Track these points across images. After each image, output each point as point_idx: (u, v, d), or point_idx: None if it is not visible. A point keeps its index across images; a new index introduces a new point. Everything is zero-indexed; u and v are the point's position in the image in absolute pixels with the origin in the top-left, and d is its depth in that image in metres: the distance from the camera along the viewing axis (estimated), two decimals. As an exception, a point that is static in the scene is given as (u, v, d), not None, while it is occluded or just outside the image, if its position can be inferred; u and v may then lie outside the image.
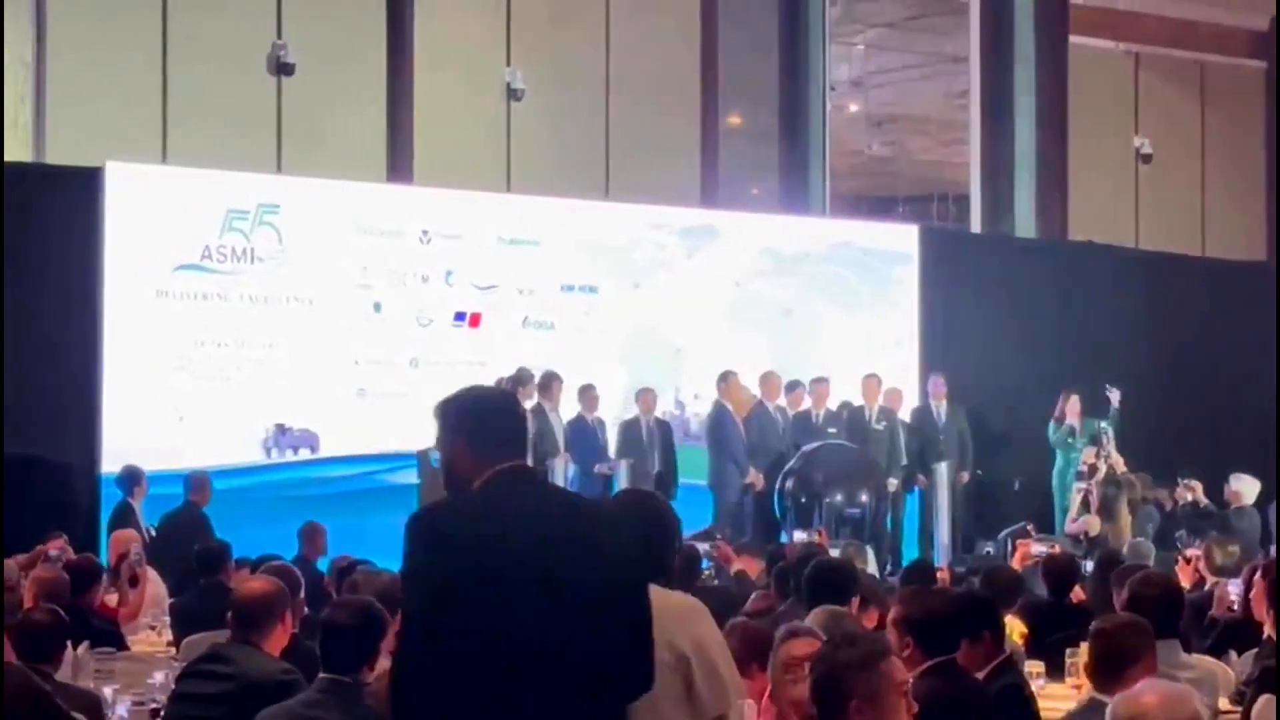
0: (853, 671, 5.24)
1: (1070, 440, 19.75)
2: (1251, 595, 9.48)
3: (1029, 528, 17.27)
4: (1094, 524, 18.21)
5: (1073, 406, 19.89)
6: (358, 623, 6.82)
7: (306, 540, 14.35)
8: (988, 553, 17.84)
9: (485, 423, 4.92)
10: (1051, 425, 20.06)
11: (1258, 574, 9.66)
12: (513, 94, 20.61)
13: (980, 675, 7.38)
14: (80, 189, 17.31)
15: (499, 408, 5.05)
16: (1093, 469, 18.61)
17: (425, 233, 19.03)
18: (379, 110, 20.03)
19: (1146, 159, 24.03)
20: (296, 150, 19.37)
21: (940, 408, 20.12)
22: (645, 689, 4.85)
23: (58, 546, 12.56)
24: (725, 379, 18.80)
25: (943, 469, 19.54)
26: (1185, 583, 11.69)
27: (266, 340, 18.22)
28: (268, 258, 18.27)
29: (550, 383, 17.92)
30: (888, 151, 24.65)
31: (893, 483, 19.18)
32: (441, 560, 4.67)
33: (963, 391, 20.32)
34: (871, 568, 15.26)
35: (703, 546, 13.61)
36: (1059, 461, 19.88)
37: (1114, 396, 19.55)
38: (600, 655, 4.67)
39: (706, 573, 13.36)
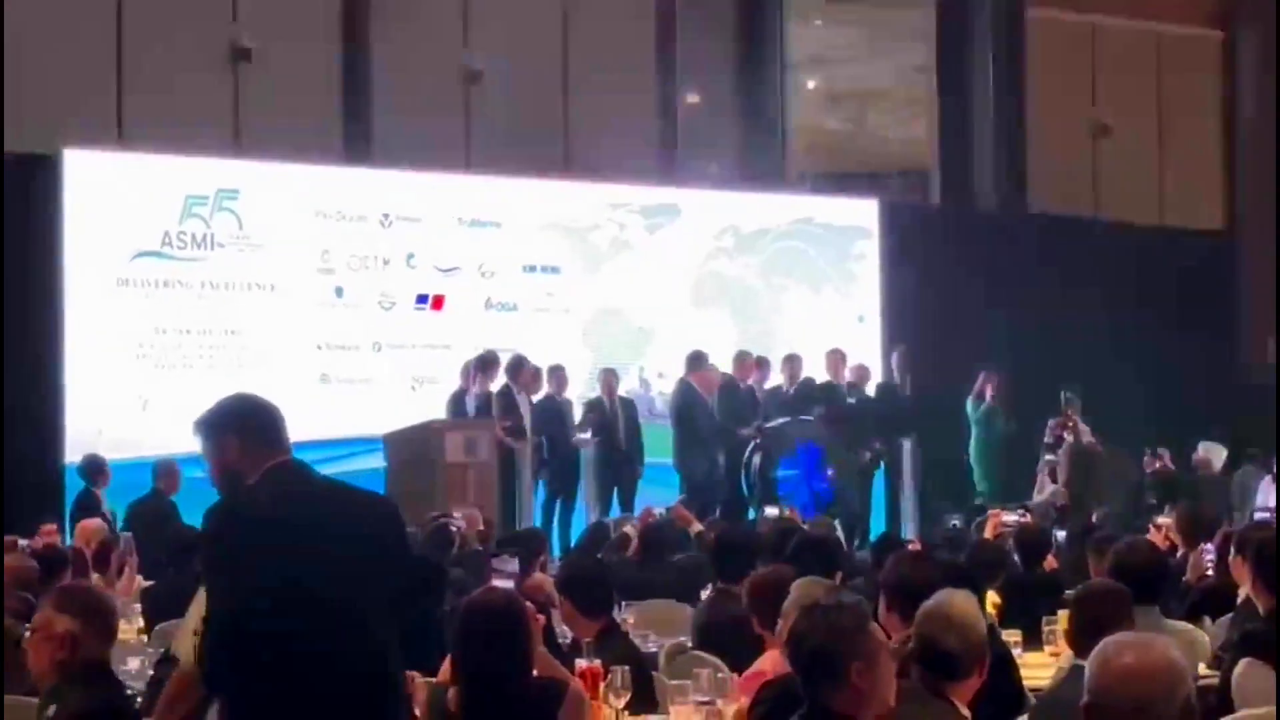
0: (849, 634, 5.26)
1: (986, 417, 19.85)
2: (1230, 561, 9.47)
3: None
4: (1062, 494, 18.24)
5: (992, 384, 19.98)
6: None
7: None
8: (954, 525, 17.83)
9: (256, 424, 5.60)
10: (970, 402, 20.12)
11: (1232, 540, 9.66)
12: (471, 75, 20.53)
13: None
14: (38, 177, 17.19)
15: (264, 408, 5.69)
16: (1059, 440, 18.65)
17: (386, 216, 18.97)
18: (337, 93, 19.92)
19: (1105, 130, 24.06)
20: (254, 134, 19.25)
21: (905, 381, 20.11)
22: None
23: (50, 534, 12.61)
24: (696, 359, 18.74)
25: (907, 444, 19.55)
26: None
27: (228, 326, 18.14)
28: (228, 243, 18.18)
29: (518, 366, 17.86)
30: (847, 127, 24.61)
31: (863, 455, 19.18)
32: (242, 550, 5.29)
33: (924, 365, 20.31)
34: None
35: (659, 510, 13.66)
36: (975, 435, 19.96)
37: (1074, 405, 19.57)
38: (378, 606, 5.35)
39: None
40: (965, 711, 5.81)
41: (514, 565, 8.83)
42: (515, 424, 17.43)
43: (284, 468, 5.53)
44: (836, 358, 19.70)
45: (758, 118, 22.67)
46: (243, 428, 5.58)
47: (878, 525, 18.94)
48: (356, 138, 19.87)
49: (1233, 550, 9.00)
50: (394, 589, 5.45)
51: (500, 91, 20.62)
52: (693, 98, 22.81)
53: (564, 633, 8.47)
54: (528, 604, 6.52)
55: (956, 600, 6.00)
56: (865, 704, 5.32)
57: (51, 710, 5.69)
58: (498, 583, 7.66)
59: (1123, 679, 4.51)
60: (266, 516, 5.36)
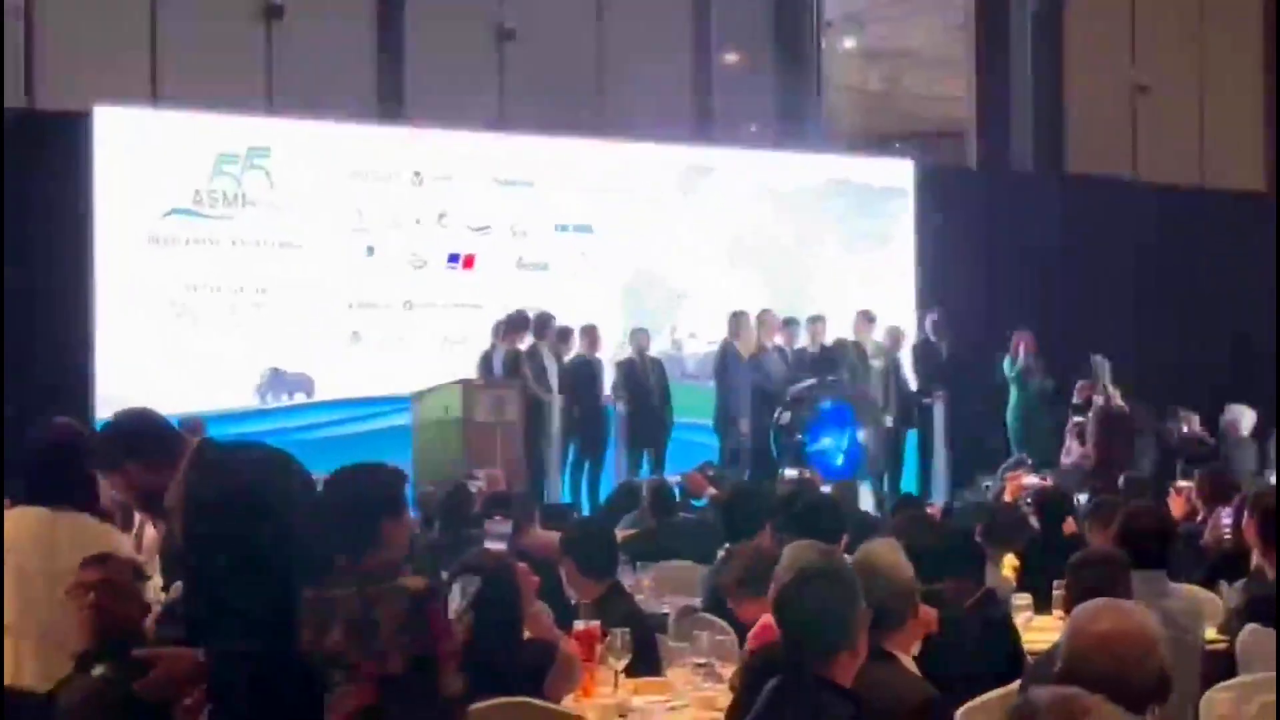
0: (837, 602, 5.28)
1: (1023, 378, 19.74)
2: (1243, 525, 9.41)
3: (1028, 461, 17.20)
4: (1090, 457, 18.16)
5: (1025, 343, 19.86)
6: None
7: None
8: (986, 487, 17.78)
9: (146, 443, 5.45)
10: (1006, 362, 20.02)
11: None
12: (505, 33, 20.47)
13: (965, 607, 7.36)
14: (69, 134, 17.23)
15: (141, 421, 5.57)
16: (1088, 401, 18.55)
17: (417, 174, 18.96)
18: (370, 51, 19.89)
19: (1144, 90, 23.88)
20: (287, 92, 19.22)
21: (941, 343, 20.04)
22: None
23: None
24: (736, 319, 18.71)
25: (940, 405, 19.48)
26: (1177, 513, 11.65)
27: (259, 285, 18.17)
28: (259, 201, 18.21)
29: (545, 325, 17.85)
30: (884, 87, 24.50)
31: (889, 419, 19.12)
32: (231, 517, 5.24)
33: (959, 326, 20.23)
34: (867, 505, 15.27)
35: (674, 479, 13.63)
36: (1013, 398, 19.86)
37: (1103, 368, 19.43)
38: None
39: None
40: (909, 662, 5.79)
41: (507, 527, 8.82)
42: (543, 381, 17.43)
43: (208, 447, 5.53)
44: (864, 318, 19.63)
45: (794, 77, 22.57)
46: (134, 448, 5.46)
47: (909, 487, 18.87)
48: (389, 96, 19.84)
49: (1245, 514, 8.94)
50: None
51: (534, 49, 20.55)
52: (729, 57, 22.71)
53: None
54: (521, 565, 6.54)
55: (877, 550, 6.00)
56: (850, 671, 5.31)
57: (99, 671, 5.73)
58: (490, 544, 7.67)
59: (1096, 646, 4.50)
60: (243, 483, 5.34)
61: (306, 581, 5.25)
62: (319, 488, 5.52)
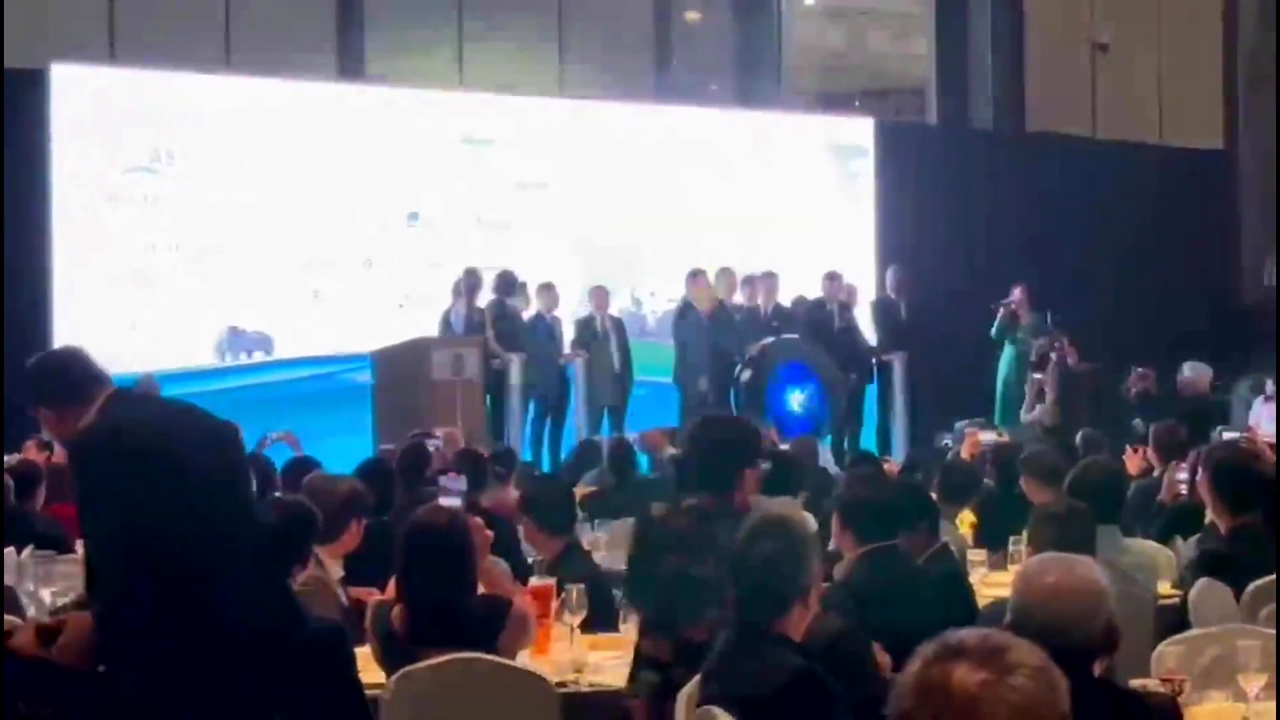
0: (792, 559, 5.31)
1: (1014, 334, 19.75)
2: (1197, 481, 9.46)
3: (981, 421, 17.26)
4: (1050, 413, 18.22)
5: (1018, 298, 19.87)
6: (288, 522, 6.82)
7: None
8: (946, 444, 17.82)
9: (54, 386, 5.38)
10: (1000, 322, 20.04)
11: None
12: (465, -10, 20.43)
13: (919, 561, 7.40)
14: (27, 92, 17.13)
15: (52, 363, 5.57)
16: (1044, 359, 18.59)
17: (377, 133, 18.90)
18: (329, 10, 19.80)
19: (1104, 48, 23.91)
20: (245, 50, 19.14)
21: (901, 301, 20.06)
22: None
23: (29, 451, 12.67)
24: (695, 277, 18.72)
25: (899, 362, 19.52)
26: (1133, 470, 11.71)
27: (218, 243, 18.11)
28: (219, 160, 18.13)
29: (505, 283, 17.83)
30: (845, 45, 24.49)
31: (849, 377, 19.14)
32: (125, 475, 5.19)
33: (920, 284, 20.25)
34: (826, 462, 15.29)
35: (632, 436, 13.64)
36: (1006, 353, 19.87)
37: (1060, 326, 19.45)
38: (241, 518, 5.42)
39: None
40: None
41: (461, 484, 8.84)
42: (506, 339, 17.42)
43: (120, 398, 5.46)
44: (826, 277, 19.64)
45: (755, 35, 22.53)
46: (43, 394, 5.42)
47: (868, 444, 18.90)
48: (348, 55, 19.77)
49: (1200, 470, 8.99)
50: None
51: (493, 8, 20.49)
52: (690, 15, 22.69)
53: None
54: (474, 520, 6.55)
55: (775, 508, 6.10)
56: (801, 626, 5.34)
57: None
58: (444, 501, 7.68)
59: (1043, 599, 4.54)
60: (137, 440, 5.27)
61: (194, 538, 5.20)
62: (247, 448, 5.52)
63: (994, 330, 19.83)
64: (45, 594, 8.10)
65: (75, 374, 5.40)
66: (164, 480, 5.20)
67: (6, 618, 6.02)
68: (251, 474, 6.06)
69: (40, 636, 5.33)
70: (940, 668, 2.80)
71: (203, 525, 5.23)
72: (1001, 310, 19.78)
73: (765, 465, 7.40)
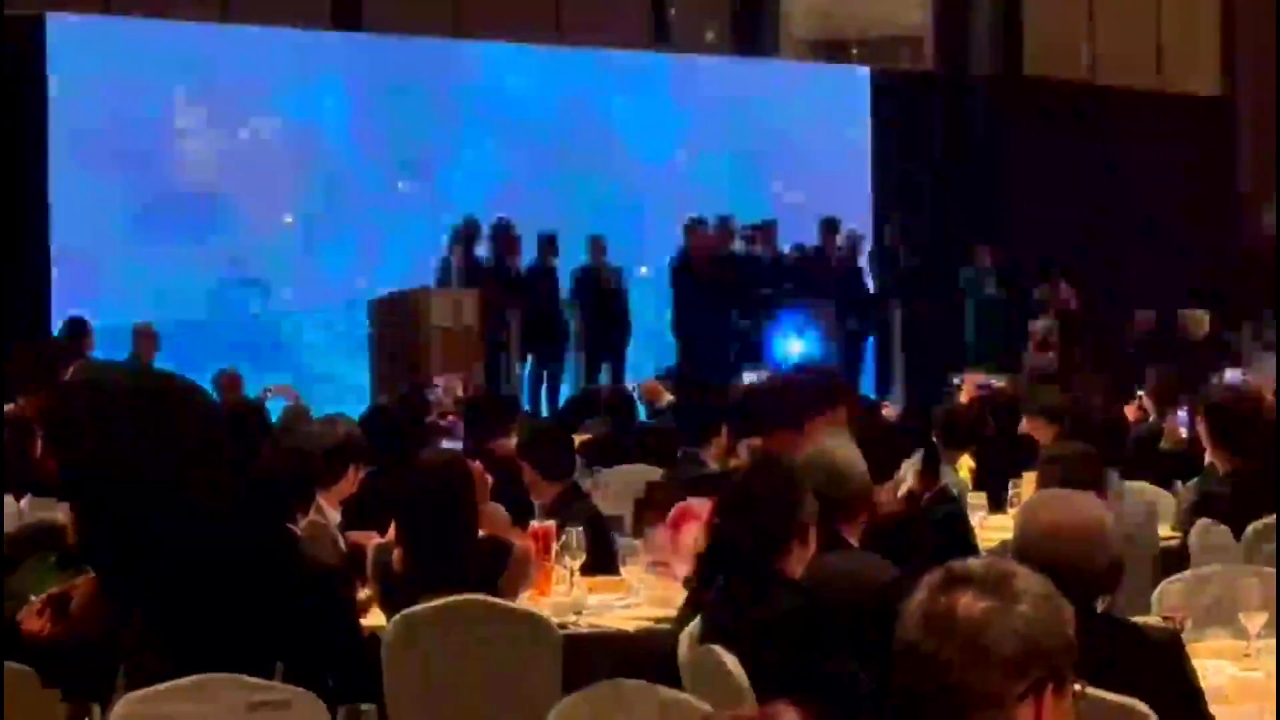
0: (789, 496, 5.32)
1: (981, 283, 19.80)
2: (1197, 424, 9.47)
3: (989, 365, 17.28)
4: (1051, 359, 18.22)
5: (983, 250, 19.92)
6: (289, 468, 6.81)
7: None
8: (946, 391, 17.82)
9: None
10: (968, 268, 20.07)
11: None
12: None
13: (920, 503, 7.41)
14: (23, 40, 17.07)
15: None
16: (1046, 305, 18.61)
17: (375, 82, 18.84)
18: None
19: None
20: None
21: (900, 249, 20.06)
22: None
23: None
24: (694, 224, 18.71)
25: (898, 310, 19.52)
26: (1132, 416, 11.71)
27: (214, 192, 18.07)
28: (219, 107, 18.09)
29: (498, 230, 17.81)
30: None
31: (849, 324, 19.15)
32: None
33: (918, 232, 20.24)
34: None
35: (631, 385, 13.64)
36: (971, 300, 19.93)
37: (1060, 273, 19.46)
38: None
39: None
40: (854, 541, 5.87)
41: (459, 429, 8.84)
42: (504, 287, 17.42)
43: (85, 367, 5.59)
44: (823, 225, 19.63)
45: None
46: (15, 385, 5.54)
47: (867, 391, 18.90)
48: (345, 3, 19.68)
49: (1198, 415, 8.99)
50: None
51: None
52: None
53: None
54: (475, 464, 6.55)
55: (832, 446, 6.07)
56: (800, 564, 5.35)
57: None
58: (445, 445, 7.69)
59: (1044, 534, 4.53)
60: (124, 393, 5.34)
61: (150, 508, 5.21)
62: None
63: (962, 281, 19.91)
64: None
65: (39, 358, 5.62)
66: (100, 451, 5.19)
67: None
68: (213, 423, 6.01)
69: (52, 606, 5.33)
70: (946, 596, 2.80)
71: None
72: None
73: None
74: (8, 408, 11.95)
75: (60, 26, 17.35)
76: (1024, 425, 10.88)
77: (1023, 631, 2.77)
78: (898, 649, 2.81)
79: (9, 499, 9.08)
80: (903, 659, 2.82)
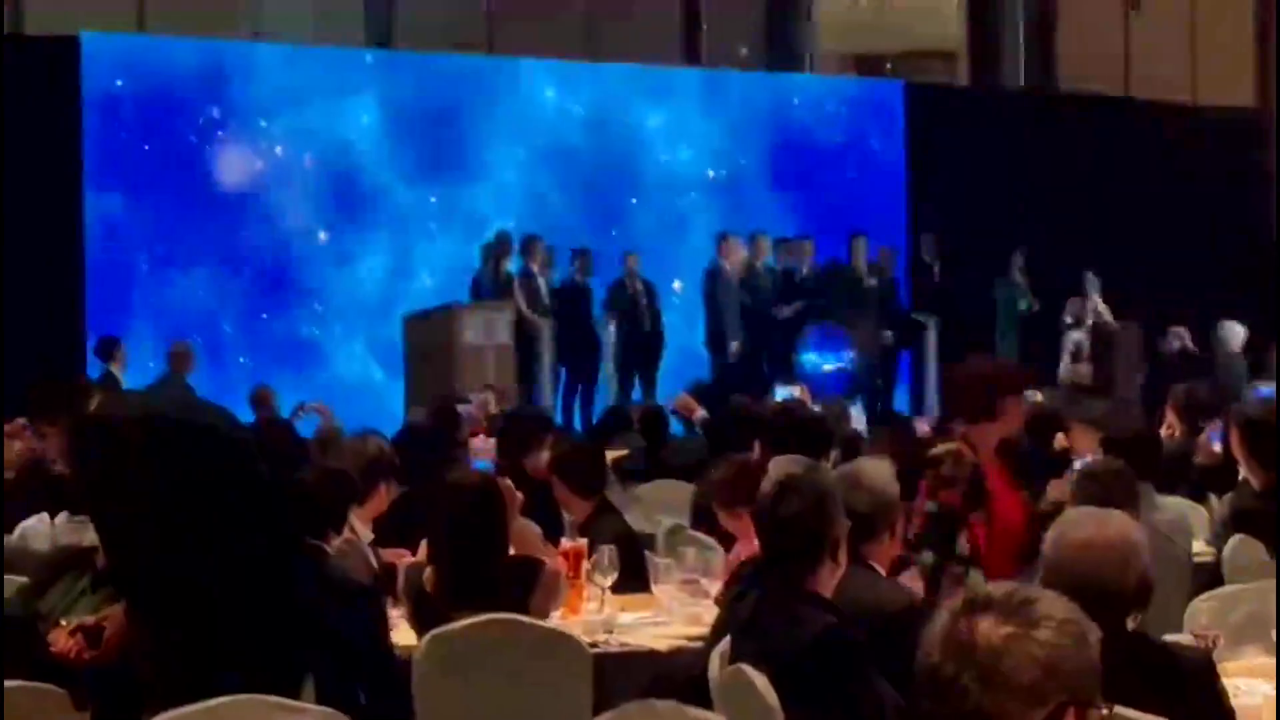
0: (819, 514, 5.30)
1: (1015, 296, 19.74)
2: (1231, 440, 9.42)
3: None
4: (1085, 373, 18.17)
5: (1016, 262, 19.89)
6: (325, 489, 6.81)
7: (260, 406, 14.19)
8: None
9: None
10: (1002, 281, 20.02)
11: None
12: (494, -43, 20.38)
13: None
14: (55, 60, 17.14)
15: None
16: (1079, 319, 18.55)
17: (408, 97, 18.86)
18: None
19: (1136, 5, 23.75)
20: (275, 16, 19.13)
21: (935, 264, 20.03)
22: None
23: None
24: (725, 239, 18.72)
25: (931, 324, 19.49)
26: (1164, 430, 11.64)
27: (247, 206, 18.11)
28: (252, 125, 18.14)
29: (531, 245, 17.82)
30: (874, 6, 24.35)
31: (883, 339, 19.13)
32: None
33: (952, 247, 20.20)
34: (858, 424, 15.24)
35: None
36: (1005, 315, 19.88)
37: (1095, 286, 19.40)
38: None
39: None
40: (883, 572, 5.84)
41: (491, 447, 8.84)
42: (536, 303, 17.43)
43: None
44: (859, 241, 19.62)
45: (784, -2, 22.45)
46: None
47: (901, 406, 18.90)
48: (378, 20, 19.74)
49: (1231, 429, 8.94)
50: None
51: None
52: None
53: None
54: (505, 482, 6.55)
55: (867, 465, 6.05)
56: (831, 583, 5.32)
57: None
58: (476, 464, 7.69)
59: (1076, 552, 4.51)
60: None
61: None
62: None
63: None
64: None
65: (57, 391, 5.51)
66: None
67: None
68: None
69: (86, 636, 5.34)
70: (966, 620, 2.79)
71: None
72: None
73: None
74: (29, 438, 12.01)
75: (94, 46, 17.41)
76: (1060, 440, 10.86)
77: (1043, 658, 2.75)
78: (919, 673, 2.80)
79: (44, 517, 9.11)
80: (923, 684, 2.81)
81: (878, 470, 6.02)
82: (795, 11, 22.44)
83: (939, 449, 7.01)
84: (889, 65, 24.65)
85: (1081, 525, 4.61)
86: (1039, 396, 14.06)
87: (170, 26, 18.16)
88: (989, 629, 2.77)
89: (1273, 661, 5.49)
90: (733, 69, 21.59)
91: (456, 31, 19.88)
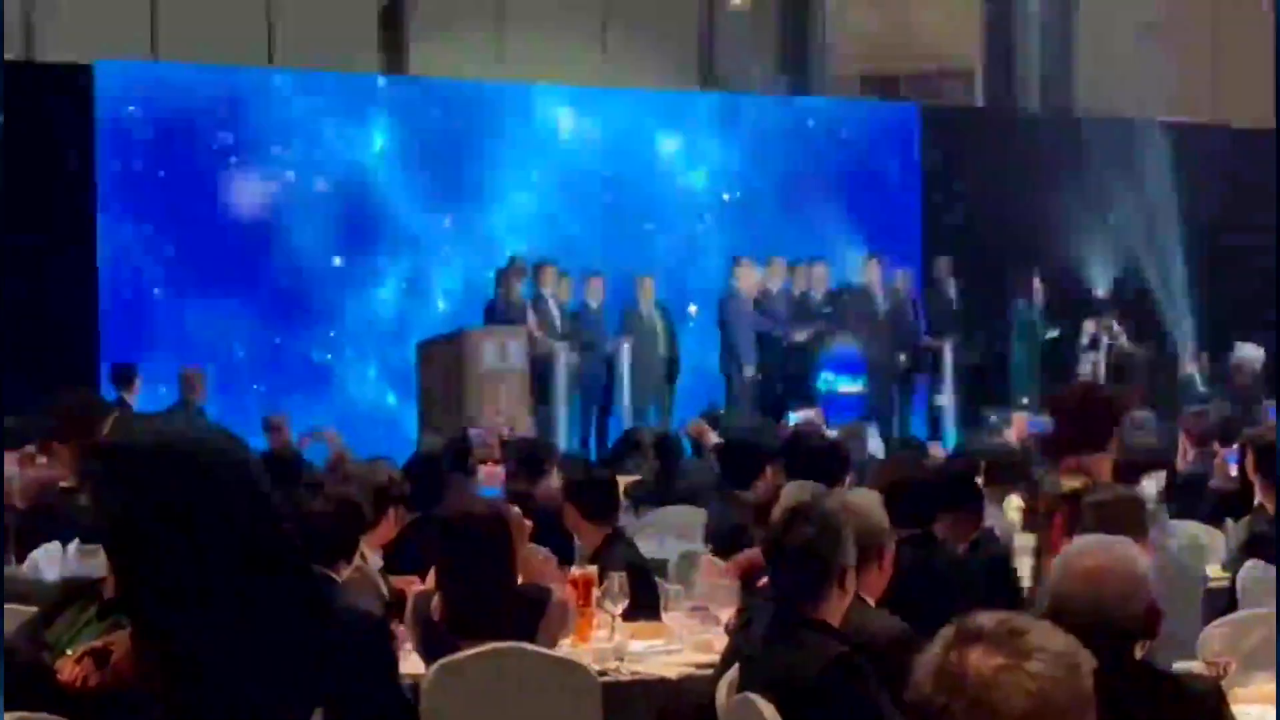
0: (827, 542, 5.26)
1: (1034, 320, 19.70)
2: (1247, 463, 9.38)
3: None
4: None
5: (1036, 286, 19.85)
6: (335, 516, 6.79)
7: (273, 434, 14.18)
8: (993, 430, 17.75)
9: None
10: (1020, 304, 19.98)
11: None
12: (507, -18, 20.37)
13: (961, 548, 7.35)
14: (71, 87, 17.17)
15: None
16: (1095, 341, 18.50)
17: (422, 124, 18.86)
18: (371, 3, 19.81)
19: (1153, 27, 23.70)
20: (289, 43, 19.14)
21: (950, 286, 20.01)
22: None
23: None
24: (737, 263, 18.72)
25: (948, 347, 19.45)
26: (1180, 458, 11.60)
27: (263, 234, 18.11)
28: (266, 151, 18.16)
29: (544, 270, 17.81)
30: (889, 27, 24.33)
31: (899, 362, 19.09)
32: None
33: (968, 269, 20.16)
34: (874, 449, 15.23)
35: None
36: (1022, 338, 19.83)
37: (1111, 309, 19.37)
38: None
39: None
40: (870, 603, 5.78)
41: (499, 475, 8.82)
42: (550, 328, 17.41)
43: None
44: (874, 263, 19.60)
45: (798, 20, 22.44)
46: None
47: (918, 430, 18.84)
48: (392, 47, 19.76)
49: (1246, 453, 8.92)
50: None
51: (536, -2, 20.45)
52: (734, 1, 22.58)
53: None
54: (514, 510, 6.52)
55: (855, 494, 6.05)
56: (839, 611, 5.29)
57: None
58: (485, 491, 7.67)
59: (1081, 582, 4.48)
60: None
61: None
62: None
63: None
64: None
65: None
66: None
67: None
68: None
69: (93, 658, 5.32)
70: (958, 652, 2.76)
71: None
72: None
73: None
74: (42, 463, 12.00)
75: (108, 73, 17.44)
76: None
77: (1034, 690, 2.72)
78: (910, 703, 2.78)
79: (55, 546, 9.10)
80: (914, 715, 2.78)
81: (865, 500, 5.99)
82: (810, 34, 22.43)
83: (1072, 484, 6.93)
84: (903, 86, 24.62)
85: (1087, 554, 4.58)
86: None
87: (183, 53, 18.15)
88: (979, 660, 2.74)
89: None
90: (747, 91, 21.55)
91: (469, 56, 19.85)
